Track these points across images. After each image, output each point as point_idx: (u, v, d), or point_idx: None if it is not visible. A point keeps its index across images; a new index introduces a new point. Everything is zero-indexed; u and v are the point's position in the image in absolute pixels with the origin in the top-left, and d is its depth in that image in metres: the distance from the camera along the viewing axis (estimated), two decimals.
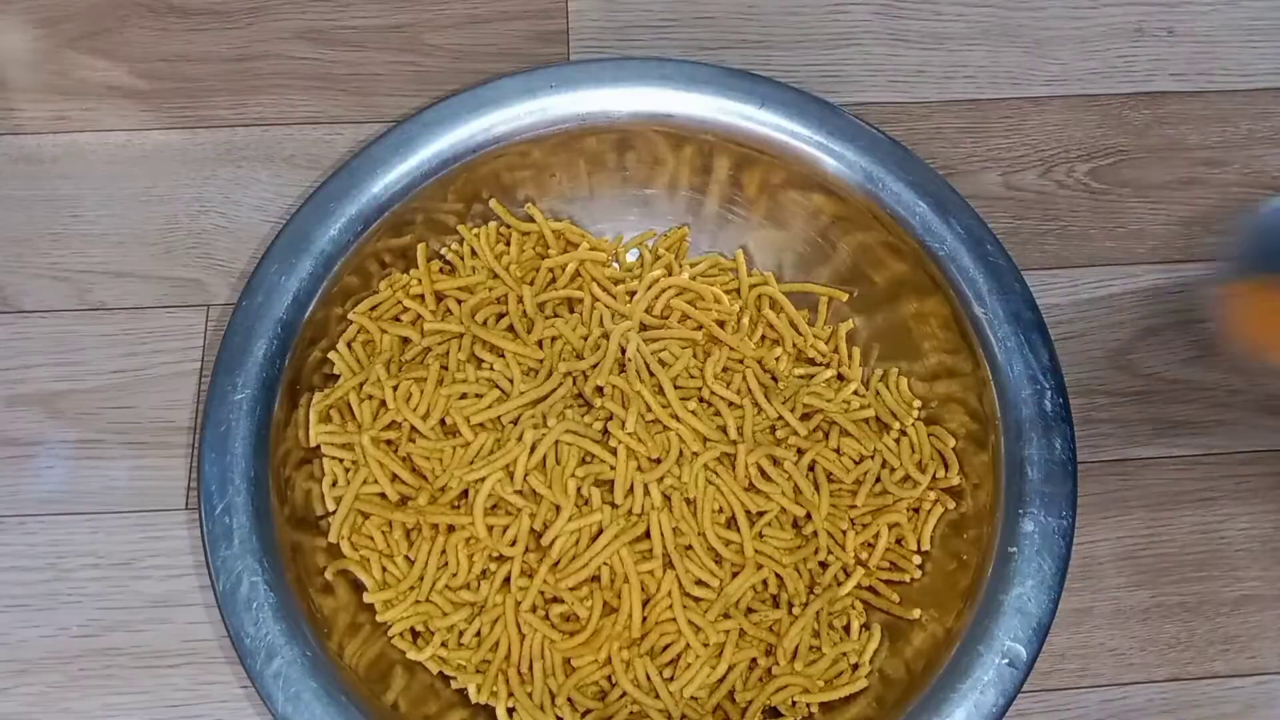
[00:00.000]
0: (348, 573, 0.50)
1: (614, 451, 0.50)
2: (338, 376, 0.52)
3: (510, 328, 0.53)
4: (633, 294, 0.55)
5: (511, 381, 0.52)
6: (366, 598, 0.49)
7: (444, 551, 0.50)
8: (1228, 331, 0.47)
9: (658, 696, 0.49)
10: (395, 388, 0.51)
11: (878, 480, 0.52)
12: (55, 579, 0.51)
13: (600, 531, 0.50)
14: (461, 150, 0.53)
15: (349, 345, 0.53)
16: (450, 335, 0.53)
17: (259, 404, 0.48)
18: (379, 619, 0.49)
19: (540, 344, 0.53)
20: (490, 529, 0.49)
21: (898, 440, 0.53)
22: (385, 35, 0.62)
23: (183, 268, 0.56)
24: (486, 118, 0.53)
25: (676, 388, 0.52)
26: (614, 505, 0.50)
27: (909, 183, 0.53)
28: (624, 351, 0.52)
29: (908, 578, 0.51)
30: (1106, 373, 0.57)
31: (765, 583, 0.51)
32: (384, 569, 0.50)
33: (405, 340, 0.53)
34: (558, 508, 0.49)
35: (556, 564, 0.49)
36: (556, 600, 0.49)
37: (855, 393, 0.54)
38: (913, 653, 0.49)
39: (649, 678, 0.49)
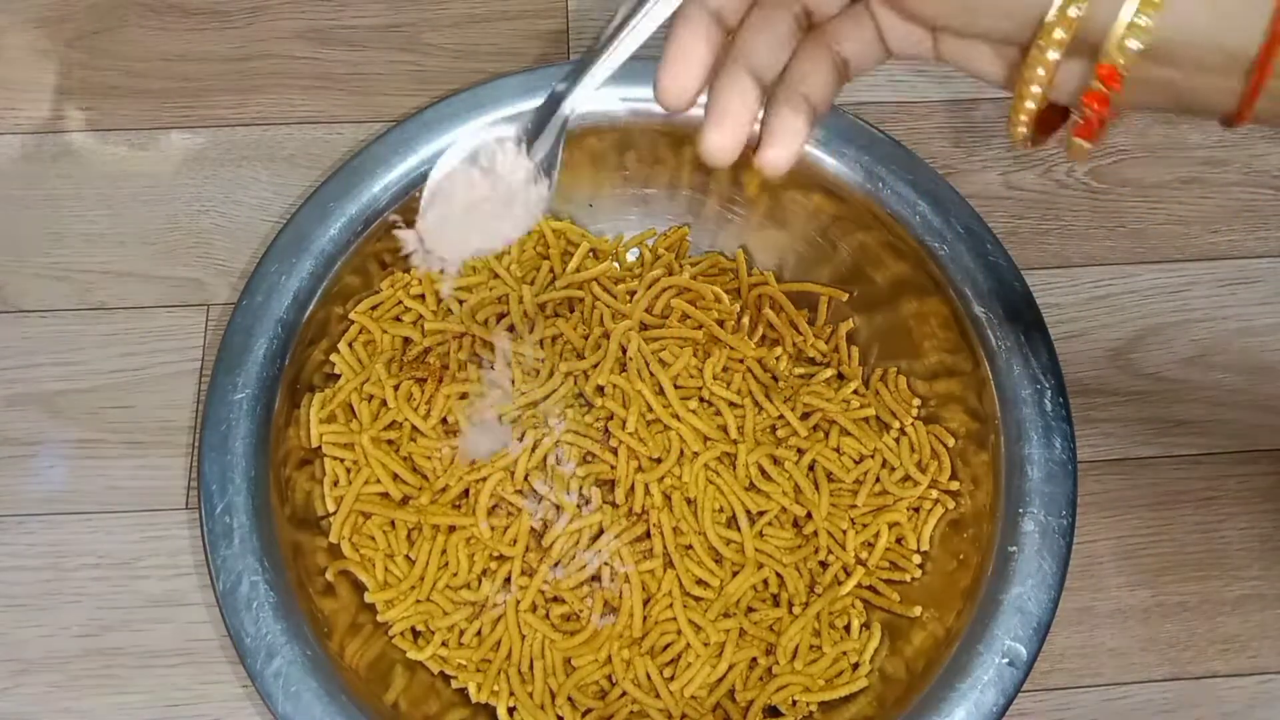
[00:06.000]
0: (348, 573, 0.50)
1: (615, 451, 0.50)
2: (338, 376, 0.52)
3: (511, 327, 0.53)
4: (633, 293, 0.55)
5: (512, 381, 0.52)
6: (368, 598, 0.49)
7: (445, 551, 0.50)
8: None
9: (658, 696, 0.49)
10: (396, 387, 0.51)
11: (878, 480, 0.52)
12: (55, 579, 0.51)
13: (601, 531, 0.50)
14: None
15: (350, 345, 0.53)
16: (451, 335, 0.53)
17: (259, 404, 0.48)
18: (380, 619, 0.49)
19: (541, 343, 0.53)
20: (491, 529, 0.49)
21: (897, 440, 0.53)
22: (385, 35, 0.62)
23: (183, 267, 0.56)
24: (486, 117, 0.53)
25: (677, 387, 0.52)
26: (614, 505, 0.50)
27: (909, 182, 0.53)
28: (624, 351, 0.52)
29: (908, 577, 0.51)
30: (1106, 373, 0.57)
31: (766, 582, 0.51)
32: (385, 569, 0.50)
33: (406, 340, 0.53)
34: (558, 507, 0.49)
35: (557, 564, 0.49)
36: (557, 600, 0.49)
37: (855, 392, 0.54)
38: (913, 652, 0.49)
39: (649, 677, 0.49)
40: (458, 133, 0.53)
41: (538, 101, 0.53)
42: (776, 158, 0.32)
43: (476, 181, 0.36)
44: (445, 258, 0.37)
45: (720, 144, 0.31)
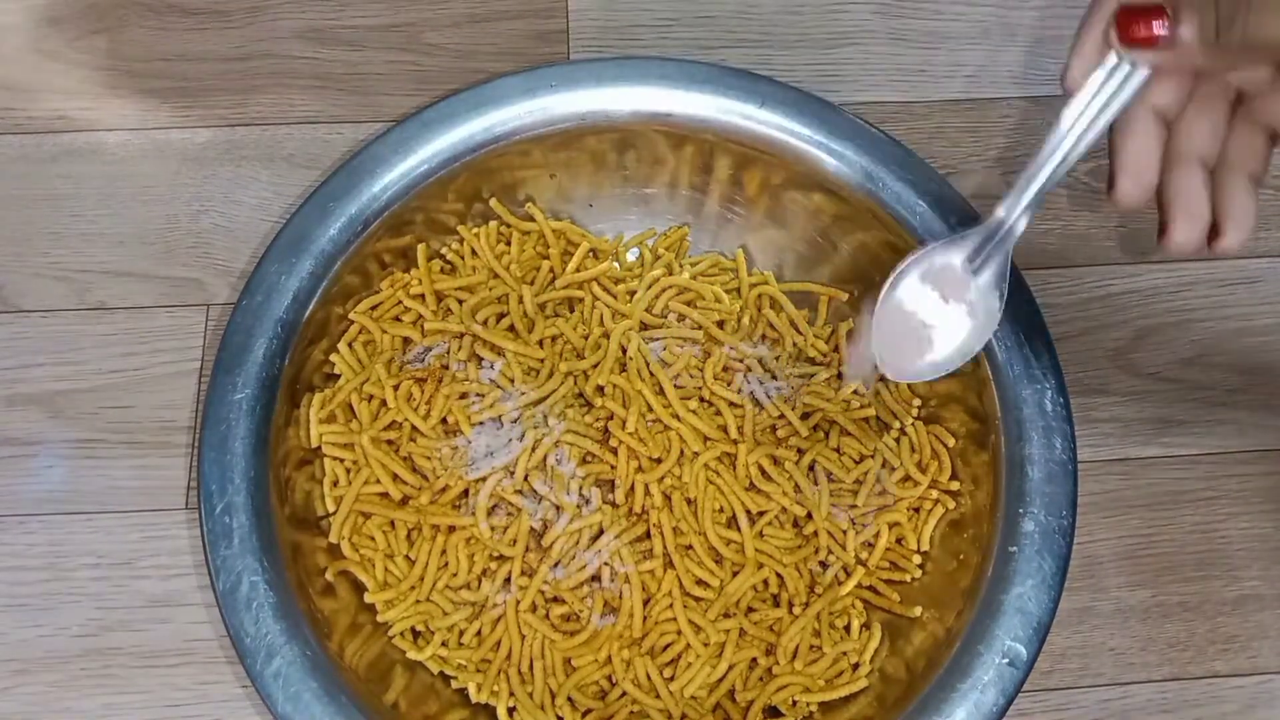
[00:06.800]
0: (348, 573, 0.50)
1: (615, 451, 0.50)
2: (338, 376, 0.52)
3: (511, 327, 0.53)
4: (633, 293, 0.55)
5: (512, 381, 0.52)
6: (367, 598, 0.49)
7: (444, 551, 0.50)
8: None
9: (658, 696, 0.49)
10: (396, 387, 0.51)
11: (878, 480, 0.52)
12: (55, 579, 0.51)
13: (601, 531, 0.50)
14: (461, 150, 0.53)
15: (350, 345, 0.53)
16: (451, 335, 0.53)
17: (259, 403, 0.48)
18: (380, 619, 0.49)
19: (541, 343, 0.53)
20: (491, 529, 0.49)
21: (897, 440, 0.53)
22: (385, 35, 0.62)
23: (182, 267, 0.56)
24: (487, 117, 0.53)
25: (677, 387, 0.52)
26: (614, 505, 0.50)
27: (909, 183, 0.53)
28: (624, 351, 0.52)
29: (908, 577, 0.51)
30: (1106, 373, 0.57)
31: (766, 582, 0.51)
32: (385, 569, 0.50)
33: (406, 340, 0.53)
34: (558, 507, 0.49)
35: (557, 564, 0.49)
36: (557, 600, 0.49)
37: (855, 392, 0.54)
38: (913, 652, 0.49)
39: (649, 677, 0.49)
40: (457, 132, 0.53)
41: (539, 101, 0.54)
42: (1236, 241, 0.34)
43: (928, 302, 0.40)
44: (900, 373, 0.41)
45: (1187, 237, 0.34)
